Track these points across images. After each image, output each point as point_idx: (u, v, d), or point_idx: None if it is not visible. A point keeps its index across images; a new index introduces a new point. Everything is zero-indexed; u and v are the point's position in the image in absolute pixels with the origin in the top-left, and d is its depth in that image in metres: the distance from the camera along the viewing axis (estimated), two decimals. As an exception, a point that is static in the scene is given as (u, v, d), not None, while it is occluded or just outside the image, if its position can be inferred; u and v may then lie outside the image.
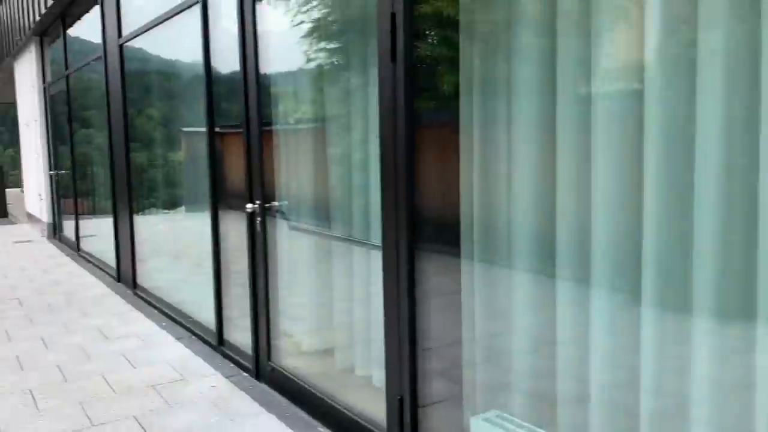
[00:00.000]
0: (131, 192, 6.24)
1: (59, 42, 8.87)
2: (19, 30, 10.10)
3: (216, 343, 4.52)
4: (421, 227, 2.61)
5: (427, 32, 2.64)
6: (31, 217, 11.61)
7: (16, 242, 9.81)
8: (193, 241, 5.60)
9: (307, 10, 3.54)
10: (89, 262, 7.95)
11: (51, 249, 9.08)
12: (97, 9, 6.75)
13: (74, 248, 8.80)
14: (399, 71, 2.54)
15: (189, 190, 5.59)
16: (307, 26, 3.53)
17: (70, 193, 8.93)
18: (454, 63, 2.44)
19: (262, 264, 3.81)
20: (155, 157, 6.28)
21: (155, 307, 5.69)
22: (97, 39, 7.13)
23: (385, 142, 2.66)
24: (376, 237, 2.91)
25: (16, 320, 5.35)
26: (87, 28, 7.78)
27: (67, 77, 8.40)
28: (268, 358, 3.83)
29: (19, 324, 5.24)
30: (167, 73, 5.89)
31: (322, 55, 3.44)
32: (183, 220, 5.89)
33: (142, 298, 6.04)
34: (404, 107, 2.53)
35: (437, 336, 2.65)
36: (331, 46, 3.38)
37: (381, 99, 2.65)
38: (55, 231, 10.09)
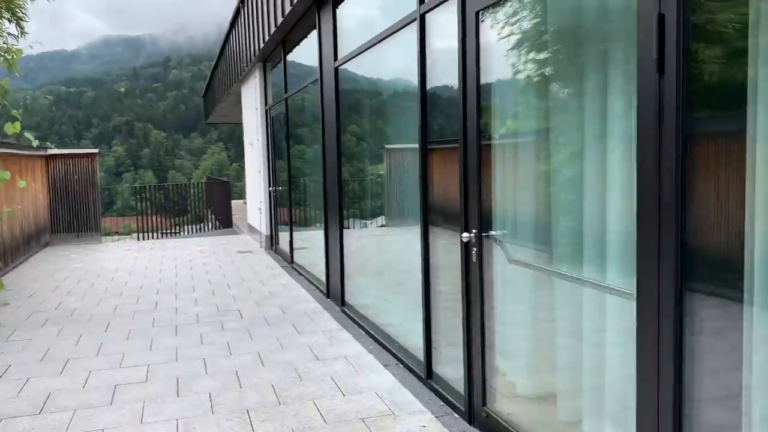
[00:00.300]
0: (342, 208, 6.32)
1: (279, 67, 9.48)
2: (246, 57, 11.04)
3: (424, 375, 4.27)
4: (689, 266, 2.07)
5: (705, 38, 2.10)
6: (251, 229, 12.65)
7: (239, 252, 10.68)
8: (396, 257, 5.49)
9: (528, 19, 3.16)
10: (301, 275, 8.31)
11: (268, 260, 9.70)
12: (314, 34, 7.01)
13: (288, 260, 9.29)
14: (667, 85, 2.04)
15: (391, 204, 5.51)
16: (527, 35, 3.15)
17: (285, 204, 9.46)
18: (738, 74, 1.89)
19: (477, 298, 3.48)
20: (357, 172, 6.34)
21: (362, 327, 5.65)
22: (311, 62, 7.42)
23: (644, 167, 2.16)
24: (619, 276, 2.42)
25: (236, 333, 5.64)
26: (303, 53, 8.17)
27: (286, 100, 8.91)
28: (483, 402, 3.47)
29: (239, 337, 5.50)
30: (370, 92, 5.91)
31: (546, 64, 3.02)
32: (385, 235, 5.83)
33: (349, 316, 6.06)
34: (674, 128, 2.02)
35: (709, 409, 2.08)
36: (559, 55, 2.95)
37: (640, 117, 2.17)
38: (272, 243, 10.81)
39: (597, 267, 2.66)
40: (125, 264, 9.61)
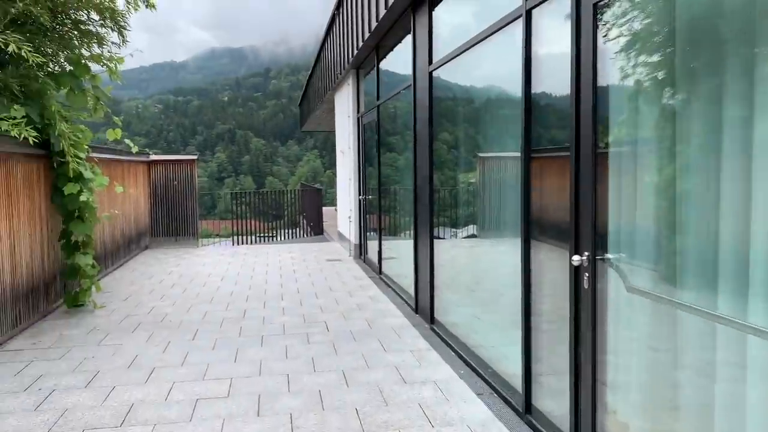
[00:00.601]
0: (433, 217, 6.00)
1: (372, 74, 9.31)
2: (340, 64, 10.98)
3: (522, 409, 3.85)
4: None
5: None
6: (341, 237, 12.58)
7: (328, 260, 10.58)
8: (489, 271, 5.10)
9: (654, 14, 2.72)
10: (389, 286, 8.04)
11: (356, 270, 9.52)
12: (408, 39, 6.76)
13: (376, 271, 9.07)
14: None
15: (484, 215, 5.13)
16: (653, 32, 2.70)
17: (374, 213, 9.27)
18: None
19: (588, 327, 3.04)
20: (447, 180, 6.00)
21: (452, 348, 5.28)
22: (403, 71, 7.15)
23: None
24: (766, 314, 1.94)
25: (322, 347, 5.43)
26: (396, 61, 7.94)
27: (378, 107, 8.71)
28: (594, 451, 3.02)
29: (324, 351, 5.29)
30: (462, 99, 5.58)
31: (676, 65, 2.56)
32: (476, 246, 5.45)
33: (438, 335, 5.71)
34: None
35: None
36: (692, 54, 2.48)
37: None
38: (360, 252, 10.65)
39: (736, 300, 2.18)
40: (218, 269, 9.74)
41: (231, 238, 15.07)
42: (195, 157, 12.66)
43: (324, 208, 19.71)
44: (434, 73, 5.82)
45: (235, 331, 5.97)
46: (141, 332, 5.99)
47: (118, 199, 9.96)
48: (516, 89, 3.91)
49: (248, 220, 15.76)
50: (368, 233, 10.17)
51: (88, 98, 7.13)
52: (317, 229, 16.13)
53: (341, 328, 6.05)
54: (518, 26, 3.85)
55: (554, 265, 3.58)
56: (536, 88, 3.73)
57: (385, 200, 8.95)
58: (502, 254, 4.73)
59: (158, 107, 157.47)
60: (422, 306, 6.42)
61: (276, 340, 5.67)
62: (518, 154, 3.92)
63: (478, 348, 4.89)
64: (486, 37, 4.47)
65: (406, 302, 7.08)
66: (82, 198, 6.42)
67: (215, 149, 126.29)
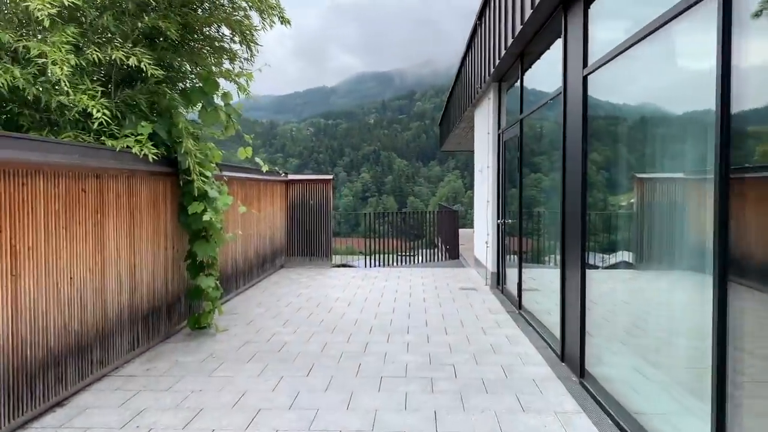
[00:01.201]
0: (585, 245, 5.02)
1: (515, 88, 8.46)
2: (480, 77, 10.23)
3: None
4: None
5: None
6: (477, 263, 11.72)
7: (462, 288, 9.78)
8: (652, 313, 4.05)
9: None
10: (529, 324, 7.07)
11: (492, 302, 8.62)
12: (557, 44, 5.87)
13: (515, 304, 8.11)
14: None
15: (643, 244, 4.13)
16: None
17: (515, 239, 8.35)
18: None
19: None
20: (596, 202, 5.01)
21: (606, 411, 4.27)
22: (549, 82, 6.26)
23: None
24: None
25: (447, 397, 4.65)
26: (541, 71, 7.06)
27: (521, 121, 7.83)
28: None
29: (450, 404, 4.50)
30: (613, 115, 4.62)
31: None
32: (633, 280, 4.41)
33: (590, 392, 4.70)
34: None
35: None
36: None
37: None
38: (498, 281, 9.73)
39: None
40: (347, 293, 9.30)
41: (365, 258, 14.76)
42: (330, 177, 12.49)
43: (462, 230, 18.92)
44: (591, 77, 4.89)
45: (353, 370, 5.37)
46: (256, 363, 5.58)
47: (252, 218, 9.92)
48: (694, 97, 2.94)
49: (387, 239, 15.41)
50: (507, 261, 9.24)
51: (221, 115, 7.02)
52: (453, 253, 15.37)
53: (471, 374, 5.23)
54: (711, 7, 2.89)
55: (763, 315, 2.56)
56: (741, 88, 2.74)
57: (527, 224, 8.00)
58: (670, 291, 3.72)
59: (310, 130, 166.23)
60: (570, 353, 5.41)
61: (396, 384, 4.98)
62: (699, 176, 2.93)
63: (642, 415, 3.86)
64: (658, 28, 3.51)
65: (550, 346, 6.09)
66: (206, 218, 6.22)
67: (360, 170, 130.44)
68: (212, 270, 6.70)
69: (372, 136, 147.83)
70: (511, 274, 8.76)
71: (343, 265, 15.61)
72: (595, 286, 4.97)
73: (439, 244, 17.11)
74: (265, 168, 8.10)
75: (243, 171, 9.14)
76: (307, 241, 12.45)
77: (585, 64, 4.92)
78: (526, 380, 5.07)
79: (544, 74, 6.91)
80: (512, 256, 8.92)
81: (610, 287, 4.93)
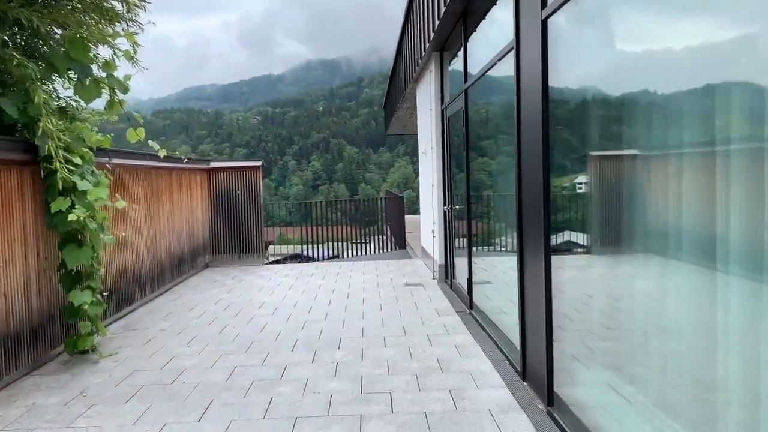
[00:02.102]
0: (548, 228, 3.95)
1: (459, 57, 7.35)
2: (420, 47, 9.08)
3: None
4: None
5: None
6: (424, 253, 10.65)
7: (407, 284, 8.68)
8: (624, 306, 3.04)
9: None
10: (482, 328, 6.01)
11: (440, 300, 7.54)
12: (500, 2, 4.77)
13: (466, 302, 7.05)
14: None
15: (600, 226, 3.27)
16: None
17: (462, 227, 7.28)
18: None
19: None
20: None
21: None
22: (498, 45, 5.16)
23: None
24: None
25: (377, 448, 3.51)
26: (488, 38, 5.97)
27: (466, 92, 6.72)
28: None
29: (380, 459, 3.37)
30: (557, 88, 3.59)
31: None
32: (596, 267, 3.42)
33: (562, 429, 3.64)
34: None
35: None
36: None
37: None
38: (446, 274, 8.67)
39: None
40: (275, 297, 8.07)
41: (314, 247, 13.55)
42: (259, 163, 11.15)
43: (410, 217, 17.85)
44: (548, 29, 3.79)
45: (260, 408, 4.18)
46: (137, 403, 4.32)
47: (162, 213, 8.55)
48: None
49: (339, 227, 14.22)
50: (456, 251, 8.18)
51: (102, 89, 5.68)
52: (400, 241, 14.27)
53: (412, 407, 4.11)
54: None
55: None
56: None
57: (477, 209, 6.93)
58: (634, 277, 2.73)
59: (257, 119, 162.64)
60: (532, 367, 4.36)
61: (314, 427, 3.82)
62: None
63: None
64: None
65: (508, 358, 5.03)
66: (72, 217, 4.87)
67: (310, 158, 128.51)
68: (91, 281, 5.37)
69: (321, 123, 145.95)
70: (461, 265, 7.71)
71: (284, 260, 14.40)
72: (559, 274, 3.91)
73: (388, 233, 16.00)
74: (162, 153, 6.76)
75: (147, 158, 7.75)
76: (235, 236, 11.12)
77: (544, 3, 3.81)
78: (480, 412, 3.98)
79: (491, 37, 5.82)
80: (461, 246, 7.88)
81: (574, 275, 3.89)
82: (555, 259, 3.93)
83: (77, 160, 5.11)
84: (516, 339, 4.87)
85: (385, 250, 14.36)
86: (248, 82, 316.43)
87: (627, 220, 3.11)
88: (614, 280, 3.38)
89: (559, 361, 3.89)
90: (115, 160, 6.73)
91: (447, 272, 8.66)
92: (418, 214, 23.95)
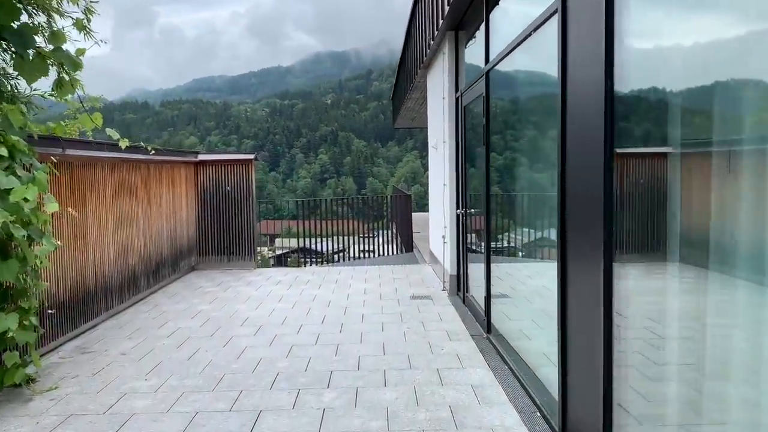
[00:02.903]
0: (610, 231, 2.89)
1: (478, 37, 6.27)
2: (432, 25, 8.00)
3: None
4: None
5: None
6: (433, 258, 9.60)
7: (413, 297, 7.62)
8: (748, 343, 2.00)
9: None
10: (504, 360, 4.96)
11: (452, 319, 6.49)
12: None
13: (483, 324, 6.00)
14: None
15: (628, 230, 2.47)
16: None
17: (480, 233, 6.23)
18: None
19: None
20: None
21: None
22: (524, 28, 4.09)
23: None
24: None
25: None
26: (516, 13, 4.91)
27: (487, 75, 5.65)
28: None
29: None
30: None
31: None
32: (643, 278, 2.39)
33: None
34: None
35: None
36: None
37: None
38: (459, 286, 7.61)
39: None
40: (261, 311, 7.04)
41: (321, 241, 12.53)
42: (251, 156, 10.10)
43: (417, 215, 16.75)
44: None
45: (216, 481, 3.15)
46: (56, 470, 3.31)
47: (137, 212, 7.54)
48: None
49: (345, 221, 13.24)
50: (469, 259, 7.12)
51: (49, 65, 4.69)
52: (407, 243, 13.20)
53: (416, 486, 3.07)
54: None
55: None
56: None
57: (500, 212, 5.87)
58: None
59: (265, 111, 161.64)
60: (578, 427, 3.31)
61: None
62: None
63: None
64: None
65: (539, 407, 3.98)
66: (-12, 223, 3.85)
67: (318, 151, 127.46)
68: (23, 300, 4.36)
69: (329, 116, 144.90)
70: (477, 277, 6.66)
71: (290, 254, 13.45)
72: (621, 290, 2.85)
73: (395, 231, 14.91)
74: (124, 143, 5.73)
75: (115, 149, 6.71)
76: (225, 237, 10.09)
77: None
78: (509, 500, 2.93)
79: (521, 7, 4.76)
80: (477, 250, 6.83)
81: (641, 292, 2.83)
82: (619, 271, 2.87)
83: (2, 151, 4.08)
84: (550, 380, 3.83)
85: (390, 252, 13.30)
86: (257, 74, 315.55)
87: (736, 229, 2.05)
88: (715, 304, 2.32)
89: (621, 419, 2.84)
90: (71, 152, 5.71)
91: (459, 284, 7.60)
92: (426, 210, 22.91)
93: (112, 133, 5.42)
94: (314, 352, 5.34)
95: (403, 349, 5.37)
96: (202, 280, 9.03)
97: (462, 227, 7.34)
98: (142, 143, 6.68)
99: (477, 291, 6.63)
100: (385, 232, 13.86)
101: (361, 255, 13.63)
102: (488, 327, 5.76)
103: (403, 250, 13.03)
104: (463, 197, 7.27)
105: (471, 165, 6.91)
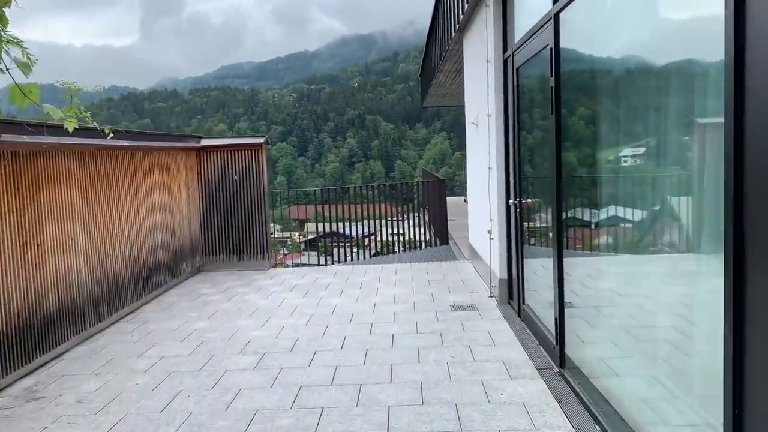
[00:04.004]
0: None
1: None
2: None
3: None
4: None
5: None
6: (474, 254, 8.15)
7: (453, 308, 6.22)
8: None
9: None
10: (592, 417, 3.53)
11: (507, 342, 5.08)
12: None
13: (551, 349, 4.57)
14: None
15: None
16: None
17: (541, 227, 4.80)
18: None
19: None
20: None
21: None
22: None
23: None
24: None
25: None
26: None
27: (556, 18, 4.16)
28: None
29: None
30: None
31: None
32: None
33: None
34: None
35: None
36: None
37: None
38: (510, 293, 6.18)
39: None
40: (268, 330, 5.72)
41: (352, 225, 11.22)
42: (262, 140, 8.76)
43: (450, 199, 15.23)
44: None
45: None
46: None
47: (119, 209, 6.26)
48: None
49: (375, 204, 11.89)
50: (526, 259, 5.68)
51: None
52: (441, 235, 11.75)
53: None
54: None
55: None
56: None
57: (579, 199, 4.41)
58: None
59: (293, 96, 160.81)
60: None
61: None
62: None
63: None
64: None
65: None
66: None
67: (346, 135, 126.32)
68: None
69: (356, 100, 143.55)
70: (538, 282, 5.24)
71: (320, 240, 12.20)
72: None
73: (427, 220, 13.44)
74: (71, 125, 4.42)
75: (81, 135, 5.41)
76: (233, 234, 8.80)
77: None
78: None
79: None
80: (537, 246, 5.40)
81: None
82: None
83: None
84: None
85: (422, 245, 11.89)
86: (284, 59, 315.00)
87: None
88: None
89: None
90: (11, 138, 4.41)
91: (511, 291, 6.17)
92: (456, 195, 21.34)
93: (52, 111, 4.09)
94: (328, 399, 3.99)
95: (448, 394, 3.98)
96: (206, 286, 7.76)
97: (515, 222, 5.88)
98: (95, 124, 5.34)
99: (537, 300, 5.21)
100: (415, 215, 12.46)
101: (392, 238, 12.27)
102: (561, 358, 4.31)
103: (437, 242, 11.59)
104: (516, 184, 5.80)
105: (528, 143, 5.44)
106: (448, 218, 12.34)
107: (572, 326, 4.17)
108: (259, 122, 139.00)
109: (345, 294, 7.03)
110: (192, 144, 8.39)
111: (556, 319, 4.34)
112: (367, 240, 13.39)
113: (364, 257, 12.53)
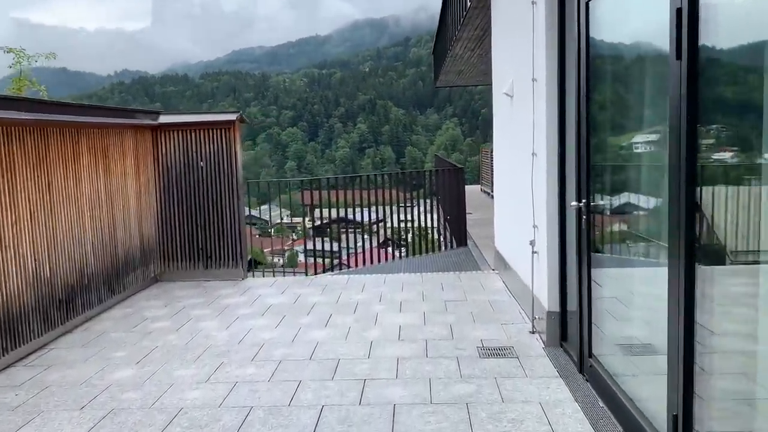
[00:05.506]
0: None
1: None
2: None
3: None
4: None
5: None
6: (500, 261, 6.30)
7: (482, 351, 4.39)
8: None
9: None
10: None
11: (571, 426, 3.24)
12: None
13: (627, 420, 2.73)
14: None
15: None
16: None
17: (628, 240, 2.96)
18: None
19: None
20: None
21: None
22: None
23: None
24: None
25: None
26: None
27: None
28: None
29: None
30: None
31: None
32: None
33: None
34: None
35: None
36: None
37: None
38: (564, 335, 4.34)
39: None
40: (210, 390, 3.93)
41: (360, 212, 9.45)
42: (234, 117, 6.91)
43: (467, 188, 13.29)
44: None
45: None
46: None
47: (24, 209, 4.47)
48: None
49: (385, 190, 10.14)
50: (587, 287, 3.82)
51: None
52: (458, 235, 9.86)
53: None
54: None
55: None
56: None
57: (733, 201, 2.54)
58: None
59: (303, 81, 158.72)
60: None
61: None
62: None
63: None
64: None
65: None
66: None
67: (357, 120, 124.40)
68: None
69: (367, 84, 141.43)
70: (615, 326, 3.40)
71: (329, 225, 10.44)
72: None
73: (440, 217, 11.54)
74: None
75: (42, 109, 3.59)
76: (198, 234, 7.00)
77: None
78: None
79: None
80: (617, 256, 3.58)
81: None
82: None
83: None
84: None
85: (436, 248, 10.03)
86: (295, 44, 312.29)
87: None
88: None
89: None
90: None
91: (566, 329, 4.33)
92: (472, 183, 19.26)
93: None
94: None
95: None
96: (156, 305, 5.97)
97: (582, 232, 3.99)
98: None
99: (618, 357, 3.37)
100: (424, 201, 10.66)
101: (401, 224, 10.48)
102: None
103: (454, 244, 9.72)
104: (584, 178, 3.90)
105: (606, 119, 3.58)
106: (467, 213, 10.46)
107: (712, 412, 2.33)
108: (270, 107, 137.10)
109: (332, 323, 5.22)
110: (146, 121, 6.57)
111: (674, 416, 2.50)
112: (375, 227, 11.87)
113: (371, 244, 10.97)
